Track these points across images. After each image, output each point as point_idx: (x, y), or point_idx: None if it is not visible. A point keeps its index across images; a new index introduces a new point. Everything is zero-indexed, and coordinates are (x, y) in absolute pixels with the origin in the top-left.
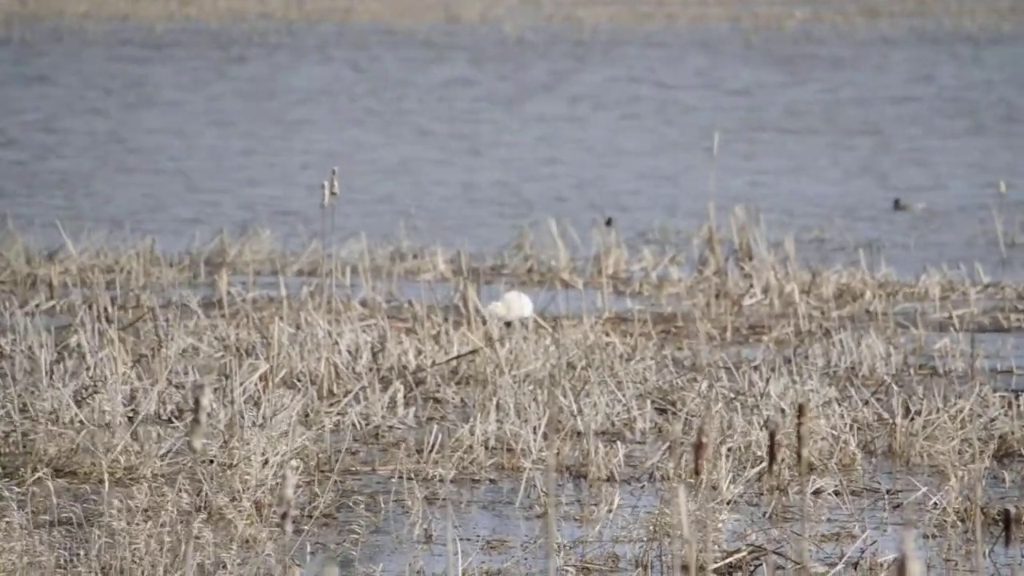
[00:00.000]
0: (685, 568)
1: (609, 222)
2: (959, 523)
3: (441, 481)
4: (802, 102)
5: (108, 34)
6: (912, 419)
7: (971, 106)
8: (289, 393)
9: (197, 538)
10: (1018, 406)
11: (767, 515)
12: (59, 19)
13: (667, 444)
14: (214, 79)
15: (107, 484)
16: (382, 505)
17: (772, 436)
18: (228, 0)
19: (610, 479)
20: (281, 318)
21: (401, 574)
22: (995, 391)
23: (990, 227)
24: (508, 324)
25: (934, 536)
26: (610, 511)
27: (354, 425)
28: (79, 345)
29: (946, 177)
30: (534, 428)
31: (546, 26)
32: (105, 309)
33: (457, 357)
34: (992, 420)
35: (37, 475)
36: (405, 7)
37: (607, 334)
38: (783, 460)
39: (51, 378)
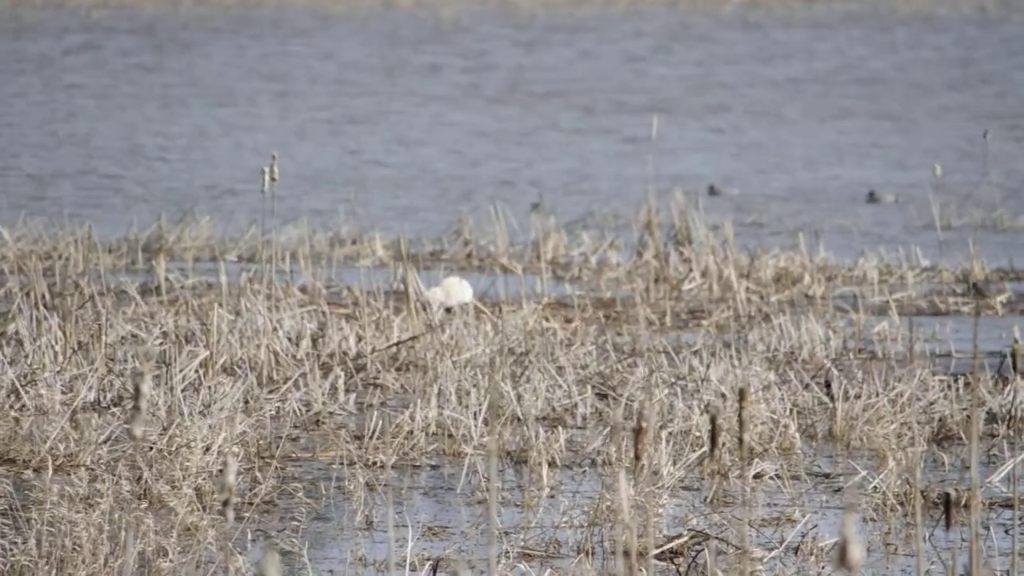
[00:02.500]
0: (626, 554)
1: (536, 206)
2: (899, 506)
3: (382, 467)
4: (730, 84)
5: (43, 21)
6: (851, 403)
7: (887, 88)
8: (229, 380)
9: (138, 526)
10: (957, 389)
11: (708, 500)
12: None
13: (608, 429)
14: (150, 66)
15: (46, 472)
16: (323, 492)
17: (713, 420)
18: None
19: (551, 464)
20: (220, 304)
21: (343, 561)
22: (934, 374)
23: (926, 211)
24: (448, 310)
25: (874, 520)
26: (551, 496)
27: (294, 412)
28: (17, 332)
29: (876, 161)
30: (475, 414)
31: (482, 11)
32: (43, 296)
33: (397, 343)
34: (931, 403)
35: None
36: None
37: (547, 319)
38: (724, 445)
39: None
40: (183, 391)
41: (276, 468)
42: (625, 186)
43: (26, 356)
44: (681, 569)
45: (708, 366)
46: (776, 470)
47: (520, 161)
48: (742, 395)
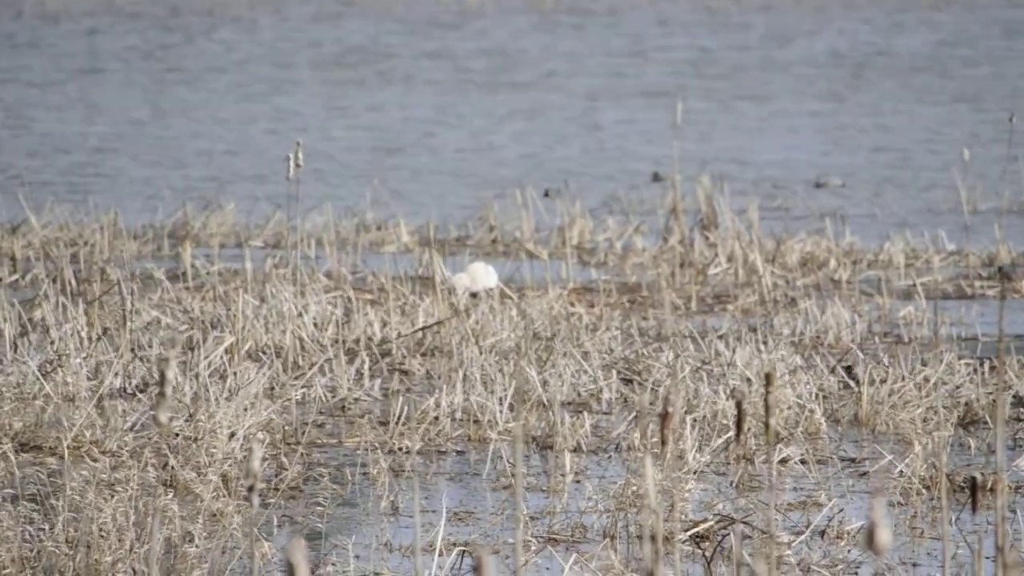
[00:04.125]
0: (652, 538)
1: (547, 193)
2: (924, 490)
3: (407, 453)
4: (752, 67)
5: (69, 4)
6: (877, 387)
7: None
8: (255, 366)
9: (163, 512)
10: (983, 373)
11: (734, 484)
12: None
13: (633, 414)
14: (170, 49)
15: (72, 458)
16: (348, 477)
17: (739, 405)
18: None
19: (577, 450)
20: (246, 290)
21: (368, 546)
22: (960, 358)
23: (952, 194)
24: (474, 295)
25: (900, 504)
26: (577, 482)
27: (320, 397)
28: (43, 319)
29: (905, 143)
30: (500, 399)
31: None
32: (69, 282)
33: (423, 328)
34: (957, 387)
35: (2, 450)
36: None
37: (572, 304)
38: (749, 429)
39: (15, 352)
40: (209, 377)
41: (302, 454)
42: (644, 170)
43: (52, 342)
44: (707, 553)
45: (734, 351)
46: (802, 455)
47: (538, 146)
48: (768, 380)
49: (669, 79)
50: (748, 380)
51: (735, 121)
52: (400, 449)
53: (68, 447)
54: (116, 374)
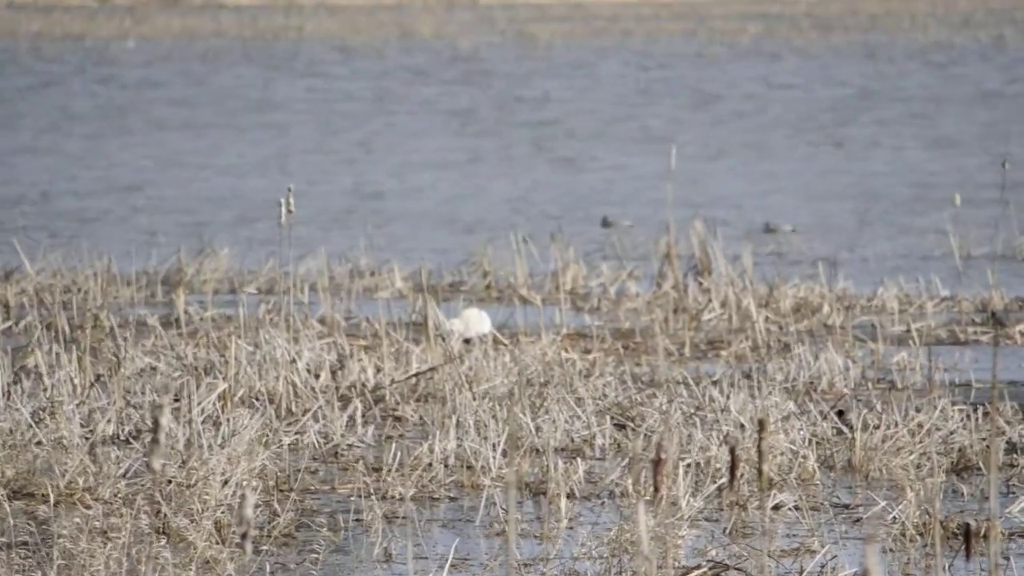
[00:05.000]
0: None
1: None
2: (918, 537)
3: (401, 499)
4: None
5: (64, 53)
6: (871, 433)
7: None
8: (248, 412)
9: (156, 559)
10: (976, 419)
11: (727, 531)
12: (12, 39)
13: (627, 460)
14: (170, 96)
15: (65, 505)
16: (342, 524)
17: (732, 451)
18: (183, 19)
19: (570, 496)
20: (239, 336)
21: None
22: (953, 404)
23: (945, 240)
24: (467, 341)
25: (893, 551)
26: (570, 528)
27: (313, 444)
28: (36, 366)
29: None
30: (494, 445)
31: (500, 42)
32: (62, 329)
33: (416, 374)
34: (951, 434)
35: None
36: (359, 24)
37: (566, 350)
38: (742, 475)
39: (8, 399)
40: (202, 423)
41: (295, 501)
42: (636, 214)
43: (45, 389)
44: None
45: (727, 396)
46: (795, 501)
47: (527, 189)
48: (761, 426)
49: (657, 124)
50: (741, 426)
51: (726, 166)
52: (393, 496)
53: (61, 494)
54: (109, 421)
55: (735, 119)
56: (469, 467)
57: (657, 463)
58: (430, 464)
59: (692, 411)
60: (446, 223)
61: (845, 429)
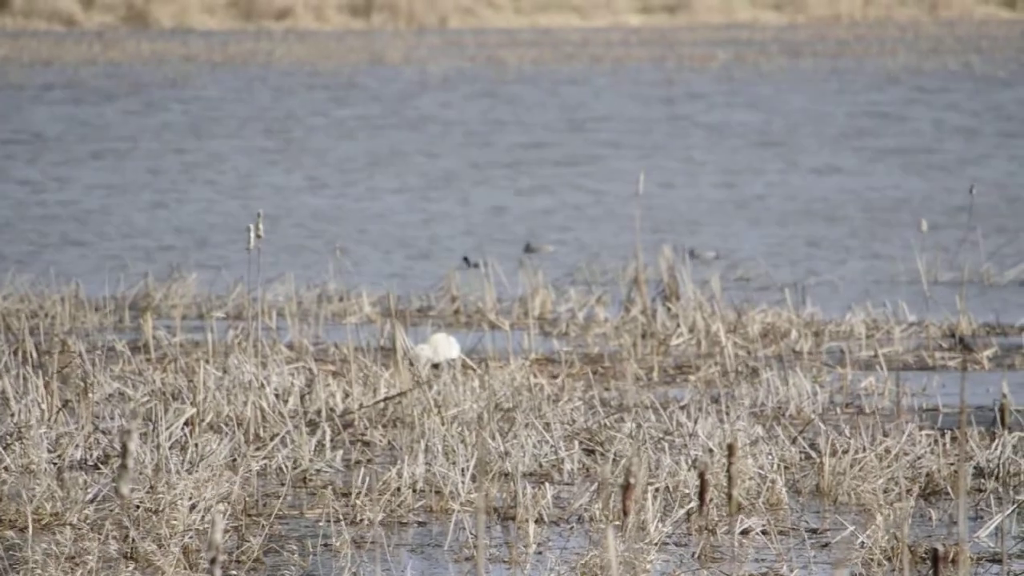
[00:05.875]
0: None
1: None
2: (886, 561)
3: (370, 524)
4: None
5: (31, 77)
6: (839, 458)
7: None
8: (216, 437)
9: None
10: (944, 444)
11: (696, 556)
12: None
13: (595, 485)
14: (140, 120)
15: (32, 531)
16: (310, 549)
17: (701, 476)
18: (151, 43)
19: (539, 521)
20: (208, 362)
21: None
22: (921, 429)
23: (912, 265)
24: (436, 366)
25: (861, 575)
26: (539, 553)
27: (281, 469)
28: (3, 391)
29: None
30: (462, 470)
31: (470, 67)
32: (30, 354)
33: (385, 399)
34: (919, 458)
35: None
36: (328, 50)
37: (534, 375)
38: (711, 500)
39: None
40: (170, 448)
41: (263, 526)
42: (600, 240)
43: (12, 415)
44: None
45: (696, 421)
46: (764, 525)
47: (495, 213)
48: (731, 450)
49: (602, 148)
50: (710, 451)
51: (693, 193)
52: (362, 520)
53: (27, 520)
54: (77, 446)
55: (704, 141)
56: (438, 492)
57: (626, 488)
58: (399, 489)
59: (661, 436)
60: (405, 247)
61: (814, 455)
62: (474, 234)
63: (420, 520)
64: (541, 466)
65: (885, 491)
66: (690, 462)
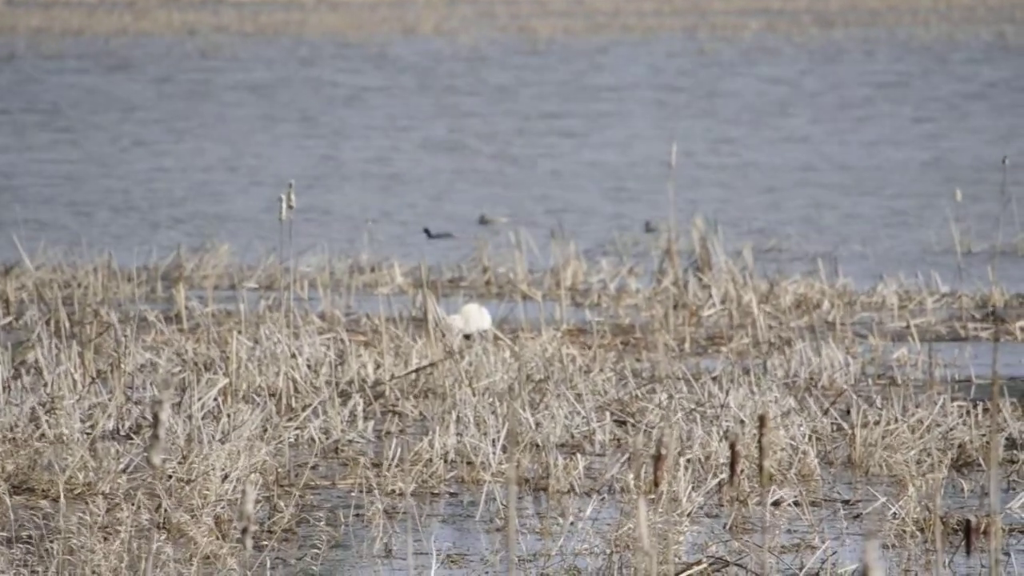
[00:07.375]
0: None
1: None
2: (918, 533)
3: (401, 495)
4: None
5: (63, 48)
6: (871, 429)
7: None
8: (248, 408)
9: (157, 554)
10: (976, 415)
11: (727, 526)
12: (11, 34)
13: (627, 456)
14: (170, 92)
15: (65, 500)
16: (342, 519)
17: (733, 447)
18: (182, 13)
19: (570, 491)
20: (240, 332)
21: None
22: (953, 400)
23: (945, 235)
24: (467, 337)
25: (893, 546)
26: (571, 524)
27: (313, 439)
28: (36, 361)
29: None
30: (493, 441)
31: (501, 37)
32: (63, 325)
33: (416, 370)
34: (951, 430)
35: None
36: (360, 20)
37: (566, 346)
38: (743, 471)
39: (8, 395)
40: (202, 419)
41: (295, 496)
42: (610, 218)
43: (45, 385)
44: None
45: (727, 392)
46: (795, 497)
47: (527, 186)
48: (762, 422)
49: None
50: (742, 422)
51: (716, 161)
52: (394, 491)
53: (61, 490)
54: (109, 416)
55: (737, 114)
56: (469, 462)
57: (658, 459)
58: (430, 459)
59: (692, 407)
60: (456, 221)
61: (845, 425)
62: (502, 203)
63: (451, 491)
64: (572, 437)
65: (917, 462)
66: (722, 433)
